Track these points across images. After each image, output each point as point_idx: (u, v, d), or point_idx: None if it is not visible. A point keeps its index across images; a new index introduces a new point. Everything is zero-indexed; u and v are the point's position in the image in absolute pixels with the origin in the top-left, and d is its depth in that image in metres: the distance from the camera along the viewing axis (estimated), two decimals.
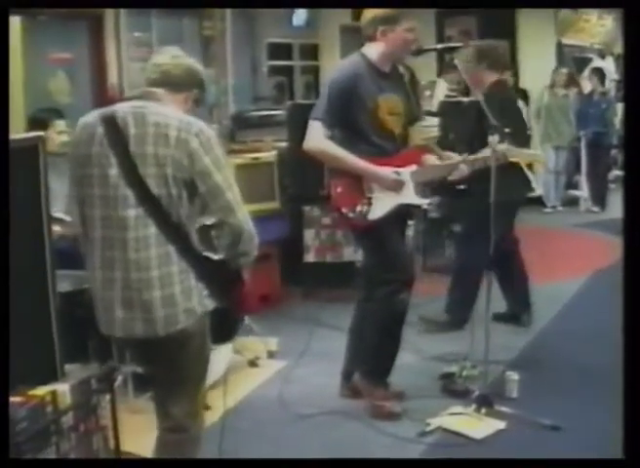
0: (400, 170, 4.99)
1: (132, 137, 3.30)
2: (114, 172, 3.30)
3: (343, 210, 5.01)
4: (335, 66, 5.23)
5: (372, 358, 5.20)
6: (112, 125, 3.33)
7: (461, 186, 5.94)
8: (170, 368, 3.51)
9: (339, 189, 5.03)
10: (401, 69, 5.15)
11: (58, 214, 4.61)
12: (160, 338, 3.38)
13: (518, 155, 5.43)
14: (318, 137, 4.87)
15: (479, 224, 5.39)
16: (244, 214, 3.40)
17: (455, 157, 5.53)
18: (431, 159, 5.24)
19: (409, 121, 5.16)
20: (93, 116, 3.43)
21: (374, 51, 5.00)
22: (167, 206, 3.29)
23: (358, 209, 4.96)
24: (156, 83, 3.47)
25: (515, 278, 6.71)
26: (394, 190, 4.97)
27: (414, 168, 5.03)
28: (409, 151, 5.10)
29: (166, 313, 3.33)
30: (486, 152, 5.23)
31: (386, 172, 4.95)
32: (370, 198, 4.97)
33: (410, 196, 5.02)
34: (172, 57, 3.53)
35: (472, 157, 5.37)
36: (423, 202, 5.19)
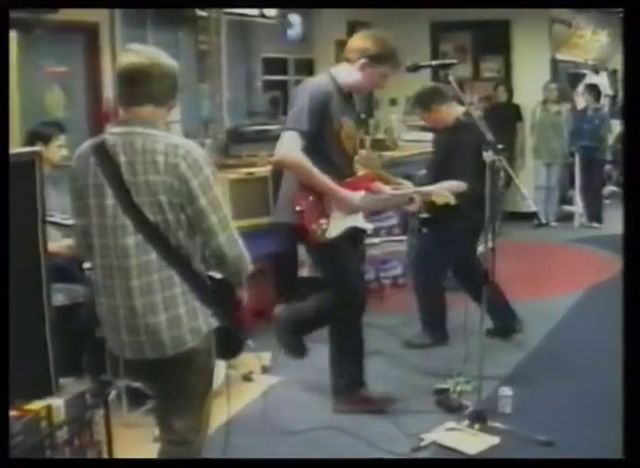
0: (355, 194, 5.12)
1: (123, 165, 3.27)
2: (110, 202, 3.29)
3: (312, 226, 5.04)
4: (307, 82, 5.29)
5: (337, 372, 5.39)
6: (103, 154, 3.31)
7: (425, 215, 6.17)
8: (176, 384, 3.50)
9: (303, 205, 5.05)
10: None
11: (54, 218, 4.63)
12: (168, 358, 3.38)
13: (436, 194, 5.61)
14: (294, 148, 4.88)
15: (430, 248, 5.95)
16: (229, 236, 3.35)
17: (406, 185, 5.76)
18: (383, 187, 5.44)
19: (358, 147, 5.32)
20: (85, 146, 3.41)
21: (346, 74, 5.10)
22: (165, 231, 3.28)
23: (318, 225, 5.04)
24: (137, 95, 3.33)
25: (491, 299, 6.67)
26: (351, 213, 5.11)
27: (362, 193, 5.16)
28: (360, 177, 5.25)
29: (172, 334, 3.33)
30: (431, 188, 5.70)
31: (353, 195, 5.08)
32: (329, 217, 5.06)
33: (359, 220, 5.21)
34: (148, 62, 3.32)
35: (417, 190, 5.62)
36: (369, 227, 5.36)
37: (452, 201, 5.52)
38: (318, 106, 4.90)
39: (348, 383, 5.38)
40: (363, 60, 5.01)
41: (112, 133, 3.37)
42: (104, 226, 3.32)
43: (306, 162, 4.89)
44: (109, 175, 3.29)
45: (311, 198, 5.01)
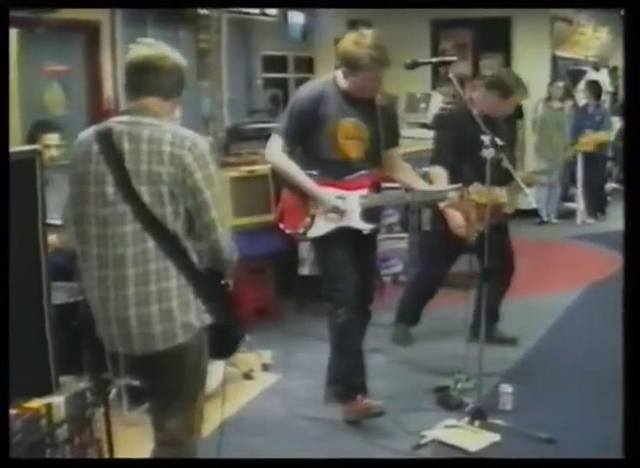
0: (346, 193, 5.04)
1: (126, 153, 3.28)
2: (111, 189, 3.29)
3: (281, 226, 5.18)
4: (302, 85, 5.33)
5: (333, 370, 5.26)
6: (108, 141, 3.32)
7: None
8: (167, 382, 3.48)
9: (283, 204, 5.20)
10: (378, 96, 5.08)
11: (52, 220, 4.61)
12: (158, 353, 3.36)
13: (431, 195, 5.50)
14: (275, 150, 5.02)
15: None
16: (224, 231, 3.40)
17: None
18: (420, 183, 5.34)
19: (377, 147, 5.11)
20: (89, 133, 3.42)
21: (342, 80, 5.02)
22: (163, 221, 3.28)
23: (300, 226, 5.08)
24: (145, 86, 3.38)
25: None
26: (335, 213, 5.03)
27: (364, 192, 5.07)
28: (361, 175, 5.08)
29: (164, 328, 3.31)
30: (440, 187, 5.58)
31: (328, 195, 5.02)
32: (313, 216, 5.06)
33: (353, 220, 5.06)
34: (159, 55, 3.39)
35: (428, 189, 5.46)
36: (366, 227, 5.09)
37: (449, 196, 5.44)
38: (301, 109, 4.97)
39: (341, 391, 5.23)
40: (343, 69, 4.97)
41: (118, 121, 3.38)
42: (103, 215, 3.32)
43: (284, 162, 5.02)
44: (112, 162, 3.29)
45: (295, 197, 5.07)
